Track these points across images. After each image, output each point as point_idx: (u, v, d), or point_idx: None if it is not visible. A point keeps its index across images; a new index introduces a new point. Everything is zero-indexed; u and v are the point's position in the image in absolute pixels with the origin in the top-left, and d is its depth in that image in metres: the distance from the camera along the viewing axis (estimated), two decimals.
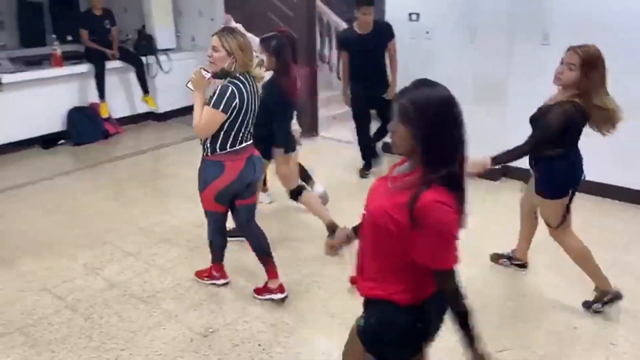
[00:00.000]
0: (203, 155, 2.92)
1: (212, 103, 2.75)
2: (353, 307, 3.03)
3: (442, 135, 1.49)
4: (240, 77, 2.80)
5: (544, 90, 4.42)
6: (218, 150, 2.85)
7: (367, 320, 1.73)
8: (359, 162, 5.18)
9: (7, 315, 3.08)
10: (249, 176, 2.95)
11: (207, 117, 2.77)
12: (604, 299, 2.93)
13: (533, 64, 4.50)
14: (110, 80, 6.58)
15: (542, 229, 3.15)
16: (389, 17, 5.14)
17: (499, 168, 4.35)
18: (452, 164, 1.51)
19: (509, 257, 3.47)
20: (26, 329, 2.95)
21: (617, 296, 2.92)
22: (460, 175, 1.53)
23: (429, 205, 1.48)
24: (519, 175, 4.86)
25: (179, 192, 4.75)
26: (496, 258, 3.50)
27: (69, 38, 7.41)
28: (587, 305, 2.98)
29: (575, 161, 2.89)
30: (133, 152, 5.87)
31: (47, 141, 6.24)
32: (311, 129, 6.40)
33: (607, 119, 2.73)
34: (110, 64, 6.63)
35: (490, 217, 4.03)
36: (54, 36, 6.78)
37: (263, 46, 3.51)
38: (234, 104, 2.75)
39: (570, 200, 2.91)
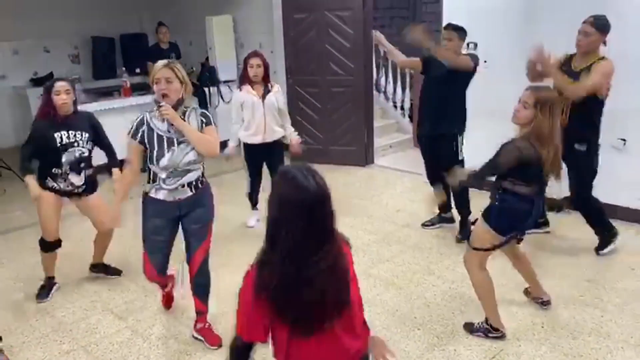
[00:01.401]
0: (198, 189, 2.89)
1: (211, 123, 2.86)
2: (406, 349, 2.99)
3: (277, 228, 1.55)
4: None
5: (609, 123, 4.27)
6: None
7: None
8: (414, 191, 5.11)
9: (73, 333, 3.23)
10: None
11: (217, 135, 2.87)
12: (488, 334, 2.98)
13: None
14: None
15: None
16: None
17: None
18: (280, 256, 1.54)
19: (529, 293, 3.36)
20: (89, 347, 3.08)
21: (502, 336, 2.98)
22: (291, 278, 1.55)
23: None
24: None
25: (237, 217, 4.85)
26: (526, 292, 3.38)
27: (137, 70, 7.85)
28: (469, 328, 3.06)
29: (533, 209, 2.86)
30: None
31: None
32: (367, 157, 6.43)
33: (553, 166, 2.77)
34: None
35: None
36: (123, 69, 7.20)
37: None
38: None
39: (505, 243, 2.90)
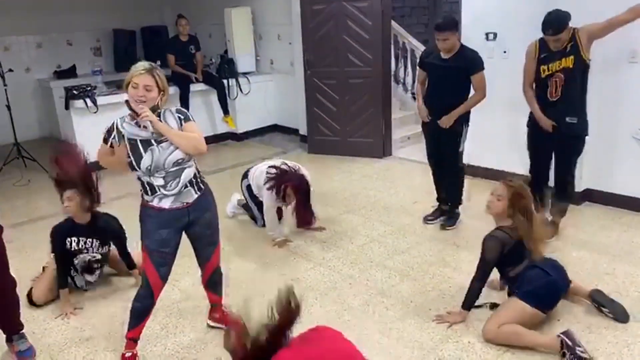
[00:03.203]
0: (202, 190, 2.78)
1: (190, 119, 2.69)
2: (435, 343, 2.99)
3: None
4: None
5: (628, 113, 4.21)
6: None
7: None
8: (432, 183, 5.05)
9: (94, 320, 3.31)
10: None
11: (199, 131, 2.67)
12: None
13: (619, 83, 4.28)
14: (193, 102, 6.96)
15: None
16: (465, 36, 5.08)
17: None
18: None
19: None
20: (108, 334, 3.15)
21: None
22: None
23: None
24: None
25: None
26: None
27: (158, 63, 7.90)
28: None
29: (545, 269, 2.94)
30: (213, 169, 6.11)
31: None
32: (385, 149, 6.42)
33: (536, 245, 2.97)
34: (194, 87, 7.03)
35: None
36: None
37: None
38: None
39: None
